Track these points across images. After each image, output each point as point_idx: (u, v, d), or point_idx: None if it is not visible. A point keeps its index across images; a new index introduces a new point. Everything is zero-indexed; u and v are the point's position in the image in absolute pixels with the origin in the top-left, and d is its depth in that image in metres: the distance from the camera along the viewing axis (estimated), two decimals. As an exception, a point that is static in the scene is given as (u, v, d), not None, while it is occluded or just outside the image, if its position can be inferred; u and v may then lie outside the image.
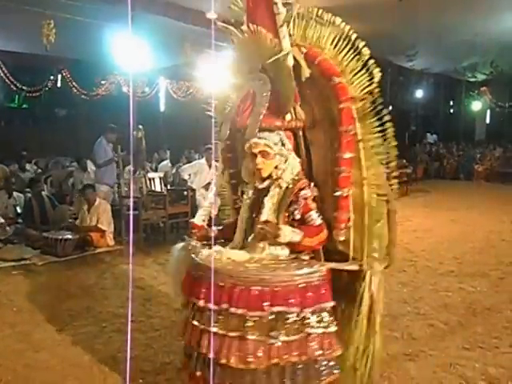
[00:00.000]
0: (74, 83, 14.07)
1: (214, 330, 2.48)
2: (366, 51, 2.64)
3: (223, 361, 2.46)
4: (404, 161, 15.36)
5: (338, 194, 2.68)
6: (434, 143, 20.45)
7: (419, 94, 19.41)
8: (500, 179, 16.52)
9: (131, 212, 7.26)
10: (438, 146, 20.03)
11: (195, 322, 2.61)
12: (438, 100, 21.07)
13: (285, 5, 2.74)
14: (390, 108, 18.92)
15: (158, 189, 8.36)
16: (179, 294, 2.89)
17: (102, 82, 14.61)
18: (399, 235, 3.02)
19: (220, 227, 3.10)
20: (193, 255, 2.78)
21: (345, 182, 2.68)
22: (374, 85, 2.67)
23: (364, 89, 2.68)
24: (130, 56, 9.27)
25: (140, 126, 7.96)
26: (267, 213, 2.73)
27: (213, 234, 2.89)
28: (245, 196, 2.88)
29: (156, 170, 10.38)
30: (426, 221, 9.76)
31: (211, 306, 2.50)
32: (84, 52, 11.96)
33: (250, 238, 2.78)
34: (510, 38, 13.32)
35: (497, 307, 4.98)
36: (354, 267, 2.71)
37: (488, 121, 22.46)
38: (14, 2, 7.83)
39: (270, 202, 2.74)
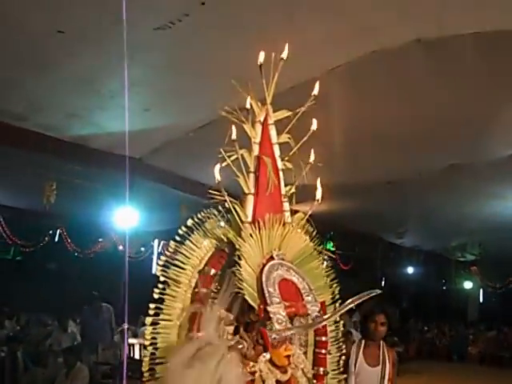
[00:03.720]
0: (69, 240, 14.34)
1: None
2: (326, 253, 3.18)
3: None
4: (395, 338, 14.96)
5: (321, 372, 2.95)
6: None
7: (410, 270, 19.63)
8: (495, 363, 16.00)
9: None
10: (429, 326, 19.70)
11: None
12: (429, 277, 21.22)
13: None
14: (383, 283, 19.09)
15: (137, 356, 8.07)
16: None
17: (100, 240, 14.89)
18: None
19: None
20: None
21: (324, 361, 2.97)
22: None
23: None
24: (127, 218, 9.57)
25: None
26: None
27: None
28: None
29: (137, 336, 10.07)
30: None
31: None
32: (83, 213, 12.37)
33: None
34: (496, 221, 13.89)
35: None
36: None
37: (481, 300, 22.41)
38: (18, 161, 8.30)
39: None
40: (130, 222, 9.70)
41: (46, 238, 14.36)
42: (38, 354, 8.94)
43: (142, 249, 15.51)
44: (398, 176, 10.13)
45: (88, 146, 8.26)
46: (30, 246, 14.34)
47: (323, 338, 3.11)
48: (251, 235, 2.76)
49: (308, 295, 2.80)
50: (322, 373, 3.03)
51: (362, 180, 10.23)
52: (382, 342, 3.92)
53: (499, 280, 20.55)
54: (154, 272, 15.39)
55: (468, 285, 21.58)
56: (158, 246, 15.49)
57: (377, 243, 17.28)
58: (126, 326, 8.43)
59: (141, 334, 10.46)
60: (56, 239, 14.67)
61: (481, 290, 22.06)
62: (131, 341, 8.35)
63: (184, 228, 2.83)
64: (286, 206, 3.06)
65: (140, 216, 10.09)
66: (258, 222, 2.82)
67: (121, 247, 14.34)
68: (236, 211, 2.84)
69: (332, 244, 14.40)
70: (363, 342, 3.90)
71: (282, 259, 2.84)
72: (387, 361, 3.84)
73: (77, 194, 9.89)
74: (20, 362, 7.76)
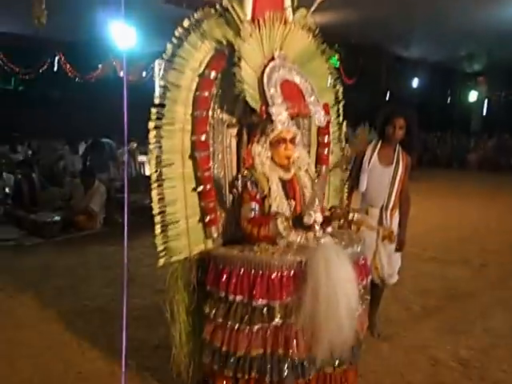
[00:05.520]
0: (68, 66, 14.09)
1: None
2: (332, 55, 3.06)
3: None
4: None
5: (324, 170, 3.24)
6: None
7: (415, 82, 19.40)
8: (493, 168, 16.58)
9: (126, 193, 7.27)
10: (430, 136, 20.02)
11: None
12: (434, 89, 21.01)
13: None
14: (387, 97, 18.98)
15: (148, 173, 8.39)
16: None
17: (99, 66, 14.61)
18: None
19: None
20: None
21: (326, 161, 3.27)
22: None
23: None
24: (125, 40, 9.26)
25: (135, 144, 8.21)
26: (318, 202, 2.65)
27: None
28: (274, 186, 2.69)
29: (146, 154, 10.40)
30: (416, 208, 9.62)
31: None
32: (79, 35, 11.93)
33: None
34: (506, 27, 13.29)
35: (475, 293, 5.07)
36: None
37: (485, 111, 22.47)
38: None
39: (310, 188, 2.80)
40: (128, 42, 9.41)
41: (45, 65, 14.09)
42: (53, 175, 9.34)
43: (144, 73, 15.26)
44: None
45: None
46: (29, 73, 14.14)
47: (326, 139, 3.21)
48: (251, 35, 2.67)
49: (310, 96, 2.78)
50: (323, 171, 3.20)
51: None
52: (397, 146, 3.88)
53: (506, 89, 20.36)
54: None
55: (473, 96, 21.45)
56: (160, 67, 15.19)
57: (382, 55, 16.83)
58: (134, 144, 8.69)
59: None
60: (55, 66, 14.39)
61: (486, 101, 21.99)
62: (141, 158, 8.64)
63: (180, 30, 2.73)
64: (288, 1, 2.90)
65: (137, 36, 9.77)
66: (258, 21, 2.71)
67: (121, 73, 14.13)
68: (234, 9, 2.69)
69: (336, 58, 14.01)
70: (380, 143, 3.92)
71: (284, 59, 2.78)
72: (400, 163, 3.84)
73: (69, 12, 9.40)
74: (36, 183, 8.16)
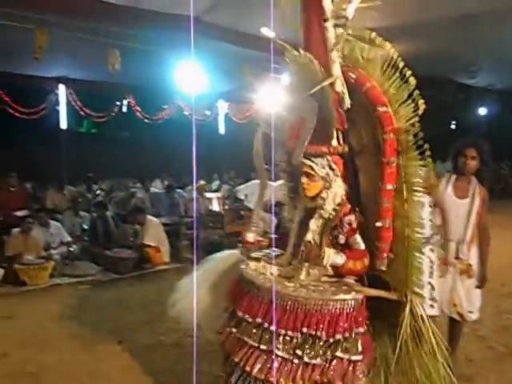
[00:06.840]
0: (137, 108, 14.69)
1: (249, 341, 2.71)
2: (413, 80, 2.65)
3: (247, 368, 2.63)
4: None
5: (378, 224, 2.67)
6: None
7: (483, 111, 18.87)
8: None
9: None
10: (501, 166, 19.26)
11: (233, 330, 2.84)
12: (504, 117, 20.32)
13: (337, 26, 2.79)
14: (453, 126, 18.49)
15: (215, 209, 8.57)
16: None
17: (164, 107, 15.16)
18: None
19: (277, 236, 3.22)
20: (242, 266, 3.00)
21: (385, 213, 2.66)
22: (419, 113, 2.62)
23: (409, 120, 2.62)
24: (190, 81, 9.57)
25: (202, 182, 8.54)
26: (311, 234, 2.82)
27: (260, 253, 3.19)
28: (296, 213, 2.98)
29: (215, 191, 10.60)
30: (491, 240, 9.42)
31: (249, 318, 2.73)
32: (147, 78, 12.46)
33: (295, 257, 2.90)
34: None
35: (561, 330, 4.80)
36: (393, 297, 2.73)
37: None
38: (82, 32, 8.28)
39: (314, 225, 2.82)
40: (195, 84, 9.71)
41: (116, 108, 14.75)
42: (126, 212, 9.65)
43: (207, 112, 15.67)
44: (471, 9, 9.37)
45: (141, 7, 8.08)
46: (102, 117, 14.84)
47: (387, 186, 2.64)
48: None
49: (303, 134, 2.78)
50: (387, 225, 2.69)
51: (430, 17, 9.53)
52: (472, 177, 3.81)
53: None
54: (220, 132, 15.83)
55: (546, 122, 20.57)
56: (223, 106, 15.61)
57: (447, 85, 16.52)
58: (202, 182, 8.90)
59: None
60: (125, 108, 15.03)
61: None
62: (209, 195, 8.84)
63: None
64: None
65: (203, 78, 10.08)
66: None
67: (186, 112, 14.59)
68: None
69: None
70: (454, 176, 3.86)
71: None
72: (477, 195, 3.76)
73: (138, 59, 9.88)
74: (110, 221, 8.47)
